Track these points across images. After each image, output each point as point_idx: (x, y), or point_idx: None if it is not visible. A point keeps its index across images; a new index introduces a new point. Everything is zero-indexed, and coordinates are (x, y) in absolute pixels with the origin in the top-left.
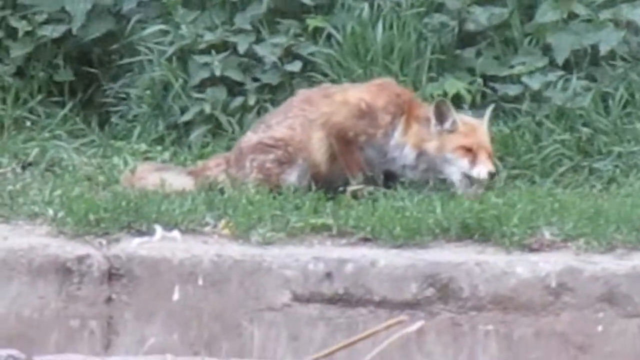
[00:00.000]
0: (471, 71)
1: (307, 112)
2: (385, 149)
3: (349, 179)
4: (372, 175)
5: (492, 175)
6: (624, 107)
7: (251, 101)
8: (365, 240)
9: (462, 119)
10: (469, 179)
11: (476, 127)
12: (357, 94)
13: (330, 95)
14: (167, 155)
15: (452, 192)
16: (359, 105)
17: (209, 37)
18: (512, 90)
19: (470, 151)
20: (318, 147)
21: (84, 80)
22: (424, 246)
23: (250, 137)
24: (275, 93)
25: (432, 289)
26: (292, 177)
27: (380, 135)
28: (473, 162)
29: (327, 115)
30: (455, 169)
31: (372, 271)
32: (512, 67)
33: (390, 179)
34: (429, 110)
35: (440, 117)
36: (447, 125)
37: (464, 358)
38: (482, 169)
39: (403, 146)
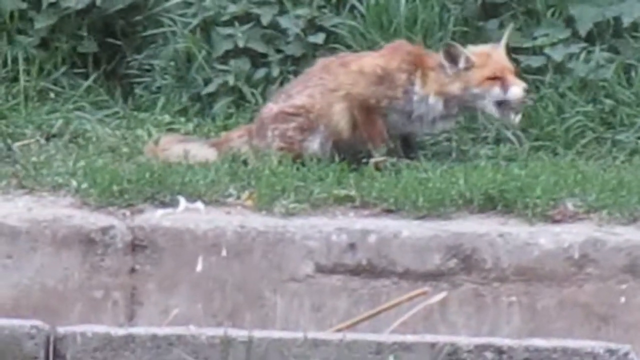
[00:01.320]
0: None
1: (325, 80)
2: (410, 108)
3: (371, 150)
4: (395, 146)
5: (527, 91)
6: None
7: (275, 73)
8: (388, 211)
9: (474, 51)
10: (506, 104)
11: (491, 54)
12: (371, 60)
13: (347, 63)
14: (190, 126)
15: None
16: (374, 72)
17: (232, 8)
18: (535, 62)
19: (496, 78)
20: (340, 117)
21: (107, 51)
22: (447, 217)
23: (271, 108)
24: (299, 65)
25: (455, 259)
26: (314, 144)
27: (400, 95)
28: (503, 86)
29: (347, 87)
30: (487, 100)
31: (395, 242)
32: (535, 38)
33: (411, 147)
34: (440, 57)
35: (453, 59)
36: (462, 64)
37: (487, 329)
38: (516, 89)
39: (427, 98)
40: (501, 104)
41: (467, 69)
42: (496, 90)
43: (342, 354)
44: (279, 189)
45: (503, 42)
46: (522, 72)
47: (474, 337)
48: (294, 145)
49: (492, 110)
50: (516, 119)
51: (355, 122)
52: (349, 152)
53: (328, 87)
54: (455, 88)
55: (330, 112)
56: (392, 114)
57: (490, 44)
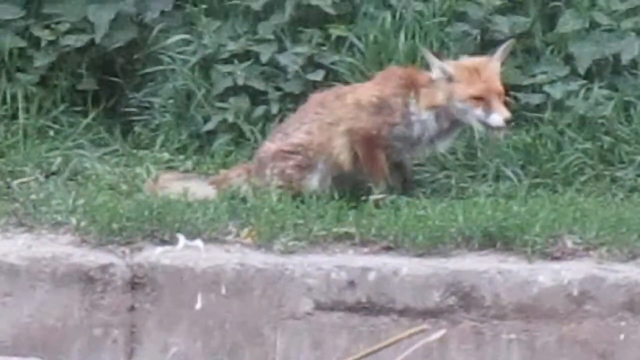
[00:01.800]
0: None
1: (322, 115)
2: (410, 132)
3: (371, 186)
4: (394, 184)
5: (508, 122)
6: None
7: (274, 110)
8: (388, 248)
9: (464, 63)
10: (486, 127)
11: (480, 70)
12: (366, 90)
13: (342, 96)
14: (189, 164)
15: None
16: (371, 102)
17: (231, 46)
18: (534, 99)
19: (481, 99)
20: (341, 150)
21: (107, 89)
22: (446, 254)
23: (268, 147)
24: (298, 102)
25: (455, 297)
26: (313, 181)
27: (399, 119)
28: (487, 110)
29: (348, 122)
30: (470, 116)
31: (395, 279)
32: (534, 76)
33: (408, 187)
34: (424, 72)
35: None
36: (435, 74)
37: None
38: (497, 118)
39: (420, 114)
40: (482, 124)
41: (450, 80)
42: (479, 112)
43: None
44: (278, 226)
45: (497, 55)
46: (521, 109)
47: None
48: (293, 184)
49: (476, 126)
50: (500, 135)
51: (356, 154)
52: (350, 186)
53: (326, 121)
54: (439, 97)
55: (330, 146)
56: (394, 142)
57: (486, 57)
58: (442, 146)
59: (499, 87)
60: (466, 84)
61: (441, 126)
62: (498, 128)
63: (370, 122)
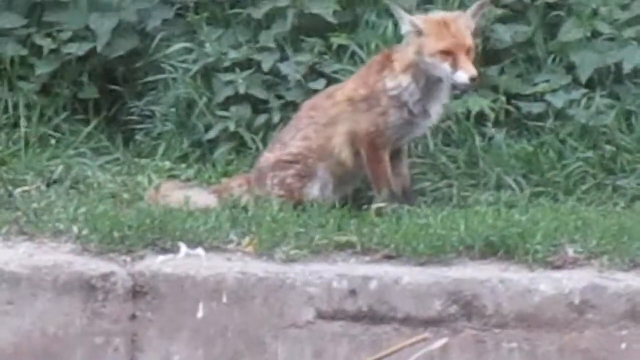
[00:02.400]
0: (495, 89)
1: (315, 118)
2: (400, 110)
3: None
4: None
5: (473, 80)
6: None
7: (276, 119)
8: (389, 257)
9: (434, 18)
10: (453, 83)
11: (450, 24)
12: (352, 85)
13: (331, 94)
14: (191, 173)
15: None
16: (360, 95)
17: (233, 55)
18: (536, 108)
19: (449, 54)
20: (341, 149)
21: (108, 98)
22: (447, 263)
23: (267, 157)
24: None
25: (456, 306)
26: (314, 190)
27: (385, 103)
28: (454, 66)
29: (345, 123)
30: (439, 71)
31: (396, 288)
32: (535, 85)
33: (410, 198)
34: (392, 49)
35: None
36: (404, 29)
37: None
38: (462, 75)
39: (399, 82)
40: (450, 80)
41: (419, 34)
42: (446, 67)
43: None
44: (279, 235)
45: (470, 11)
46: (523, 119)
47: None
48: (294, 193)
49: (445, 80)
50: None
51: (357, 151)
52: (352, 189)
53: (321, 123)
54: (410, 52)
55: (330, 146)
56: (392, 132)
57: (457, 12)
58: (435, 113)
59: (469, 43)
60: (435, 38)
61: (420, 85)
62: (464, 85)
63: (366, 120)
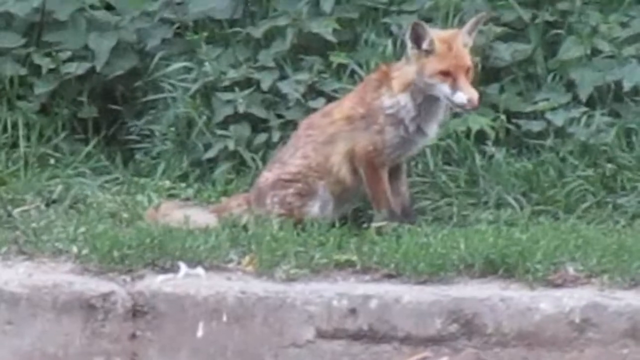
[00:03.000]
0: (495, 107)
1: (313, 136)
2: (397, 127)
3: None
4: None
5: (470, 101)
6: None
7: (275, 138)
8: (389, 276)
9: (438, 35)
10: (452, 103)
11: (452, 45)
12: (349, 103)
13: (329, 112)
14: (191, 192)
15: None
16: (359, 113)
17: (232, 74)
18: (536, 126)
19: (448, 75)
20: (339, 167)
21: (108, 117)
22: (448, 282)
23: (266, 176)
24: None
25: (456, 324)
26: (314, 208)
27: (382, 120)
28: (453, 87)
29: (343, 142)
30: (438, 91)
31: (396, 307)
32: (535, 103)
33: (409, 215)
34: (400, 62)
35: (417, 38)
36: (425, 45)
37: None
38: (461, 97)
39: (398, 100)
40: (449, 100)
41: (427, 53)
42: (445, 88)
43: None
44: (279, 254)
45: (467, 28)
46: (522, 137)
47: None
48: (294, 212)
49: (444, 101)
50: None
51: (354, 168)
52: (352, 206)
53: (319, 141)
54: (411, 71)
55: (329, 164)
56: (390, 150)
57: (456, 30)
58: (432, 131)
59: (468, 63)
60: (437, 58)
61: (417, 103)
62: (462, 106)
63: (364, 139)
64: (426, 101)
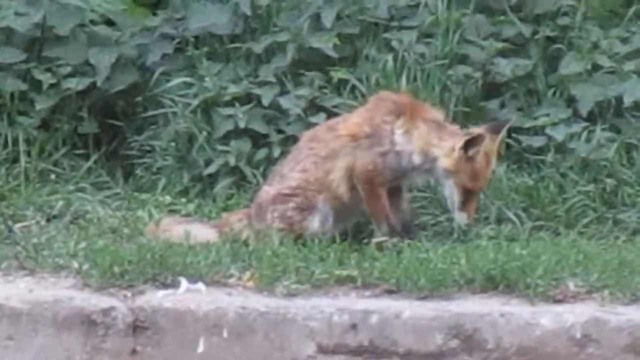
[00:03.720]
0: None
1: (315, 149)
2: (397, 159)
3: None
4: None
5: (467, 225)
6: None
7: (276, 153)
8: (390, 291)
9: (486, 148)
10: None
11: (490, 158)
12: (357, 119)
13: (333, 127)
14: (191, 207)
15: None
16: (365, 133)
17: (233, 89)
18: (536, 141)
19: (469, 192)
20: (338, 184)
21: (108, 132)
22: (448, 297)
23: (267, 191)
24: None
25: (457, 340)
26: (314, 222)
27: (388, 146)
28: (463, 204)
29: (344, 158)
30: (448, 194)
31: (397, 322)
32: (536, 118)
33: (410, 230)
34: (437, 114)
35: (470, 145)
36: (471, 152)
37: None
38: (462, 217)
39: (411, 152)
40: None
41: (467, 159)
42: (456, 200)
43: None
44: (280, 270)
45: (501, 136)
46: (523, 152)
47: None
48: (294, 226)
49: (447, 201)
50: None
51: (353, 185)
52: (352, 221)
53: (321, 155)
54: (444, 161)
55: (328, 179)
56: (389, 172)
57: (493, 138)
58: (420, 180)
59: (486, 183)
60: (471, 174)
61: (422, 166)
62: (456, 221)
63: (365, 157)
64: (430, 171)
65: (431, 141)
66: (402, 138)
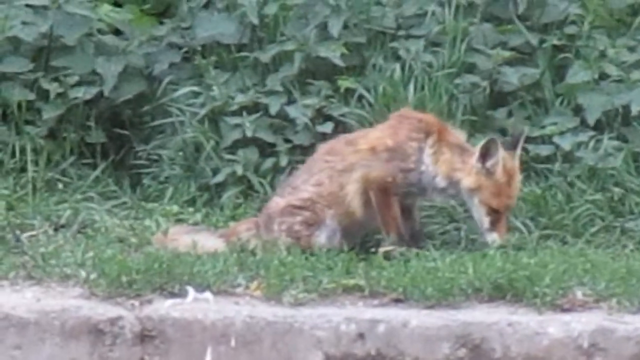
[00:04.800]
0: (503, 131)
1: (331, 162)
2: (419, 177)
3: (383, 235)
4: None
5: (500, 247)
6: None
7: (283, 162)
8: (397, 300)
9: (505, 161)
10: (482, 234)
11: (513, 175)
12: (379, 134)
13: (353, 141)
14: (199, 216)
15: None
16: (386, 146)
17: (240, 98)
18: (544, 150)
19: (496, 212)
20: (352, 197)
21: (115, 142)
22: (456, 306)
23: (277, 202)
24: (307, 154)
25: (465, 349)
26: (321, 238)
27: (412, 164)
28: (493, 225)
29: (363, 170)
30: (476, 215)
31: (404, 332)
32: (543, 127)
33: (418, 239)
34: (460, 136)
35: (485, 155)
36: (489, 164)
37: None
38: (494, 238)
39: (435, 175)
40: (480, 230)
41: (488, 173)
42: (486, 222)
43: None
44: (287, 279)
45: (518, 150)
46: (530, 161)
47: None
48: (300, 240)
49: (476, 219)
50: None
51: (367, 200)
52: (361, 235)
53: (337, 169)
54: (466, 182)
55: (342, 194)
56: (409, 187)
57: (516, 155)
58: (441, 200)
59: (514, 202)
60: (494, 190)
61: (447, 190)
62: (488, 243)
63: (384, 169)
64: (456, 195)
65: (455, 165)
66: (430, 159)
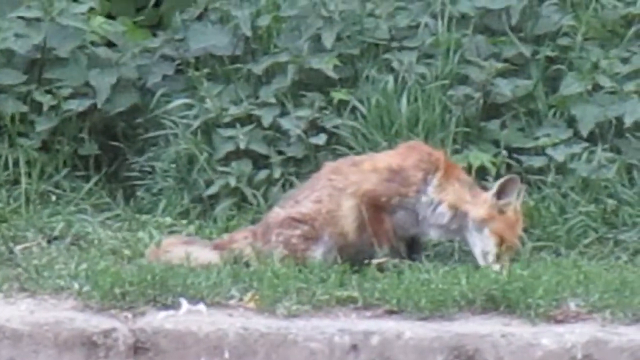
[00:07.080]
0: (496, 143)
1: (334, 181)
2: (417, 209)
3: (375, 250)
4: (399, 246)
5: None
6: None
7: (276, 174)
8: (391, 312)
9: (517, 205)
10: (485, 260)
11: (519, 220)
12: (385, 158)
13: (359, 163)
14: (192, 228)
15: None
16: (389, 167)
17: (233, 110)
18: (537, 162)
19: (502, 244)
20: (347, 215)
21: (109, 154)
22: (449, 318)
23: (277, 213)
24: (300, 166)
25: None
26: (317, 253)
27: (412, 193)
28: (499, 255)
29: (358, 183)
30: (482, 246)
31: (398, 343)
32: (536, 138)
33: (415, 250)
34: (469, 177)
35: (503, 192)
36: (503, 202)
37: None
38: (498, 268)
39: (437, 204)
40: (484, 257)
41: (500, 210)
42: (493, 252)
43: None
44: (281, 291)
45: (522, 197)
46: (524, 172)
47: None
48: (297, 253)
49: (477, 254)
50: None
51: (362, 222)
52: (354, 258)
53: (337, 187)
54: (476, 212)
55: (338, 214)
56: (400, 211)
57: (517, 194)
58: (436, 237)
59: (518, 241)
60: (508, 225)
61: (449, 226)
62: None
63: (381, 187)
64: (459, 229)
65: (464, 197)
66: (435, 189)
